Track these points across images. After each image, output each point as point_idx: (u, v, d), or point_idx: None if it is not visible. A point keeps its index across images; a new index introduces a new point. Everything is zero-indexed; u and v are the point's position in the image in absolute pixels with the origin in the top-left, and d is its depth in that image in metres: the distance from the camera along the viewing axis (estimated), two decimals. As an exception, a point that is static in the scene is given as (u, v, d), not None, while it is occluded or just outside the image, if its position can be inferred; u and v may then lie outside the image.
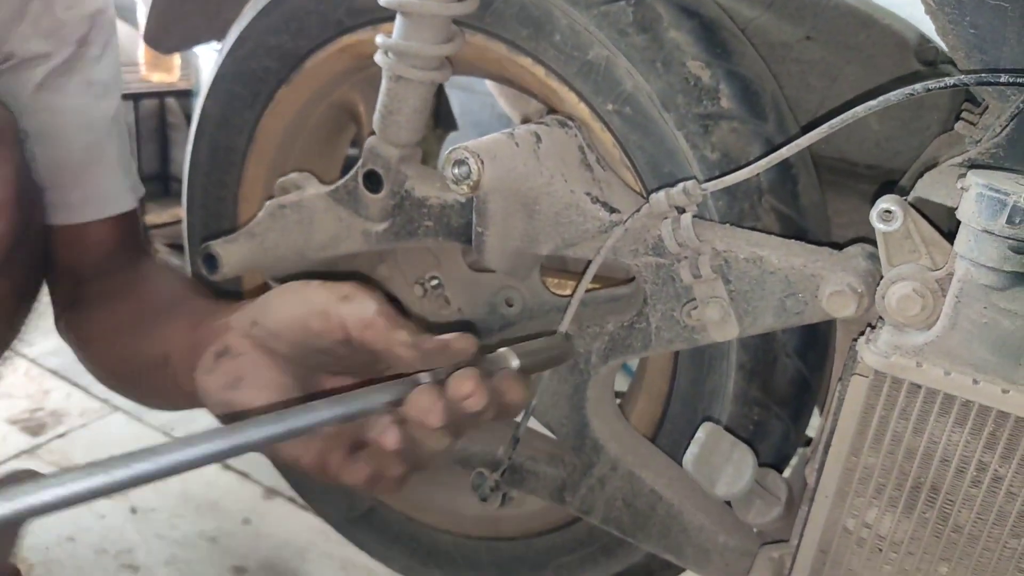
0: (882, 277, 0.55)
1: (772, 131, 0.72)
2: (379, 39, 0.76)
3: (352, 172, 0.83)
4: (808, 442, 0.78)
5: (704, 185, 0.64)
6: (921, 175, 0.57)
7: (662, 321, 0.69)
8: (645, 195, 0.72)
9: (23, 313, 0.75)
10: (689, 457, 0.67)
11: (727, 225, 0.68)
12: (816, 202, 0.74)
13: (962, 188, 0.49)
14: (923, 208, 0.54)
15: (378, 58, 0.76)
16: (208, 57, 1.82)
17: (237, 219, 1.01)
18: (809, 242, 0.65)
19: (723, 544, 0.73)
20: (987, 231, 0.47)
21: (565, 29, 0.73)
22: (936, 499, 0.55)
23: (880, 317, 0.56)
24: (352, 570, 1.16)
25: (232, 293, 1.01)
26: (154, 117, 2.60)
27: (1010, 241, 0.47)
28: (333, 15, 0.86)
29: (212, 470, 1.41)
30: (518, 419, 0.77)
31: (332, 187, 0.85)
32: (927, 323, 0.53)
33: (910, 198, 0.55)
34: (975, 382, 0.51)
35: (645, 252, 0.68)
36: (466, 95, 1.59)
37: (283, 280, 0.92)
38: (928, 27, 0.55)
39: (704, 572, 0.75)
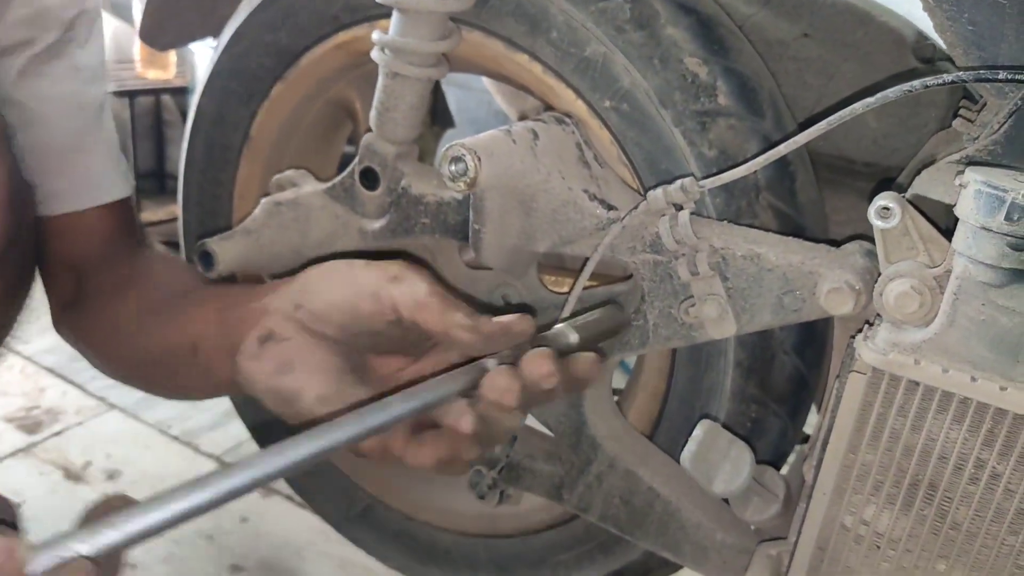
0: (880, 274, 0.55)
1: (770, 128, 0.71)
2: (375, 36, 0.76)
3: (349, 169, 0.83)
4: (806, 439, 0.78)
5: (702, 182, 0.64)
6: (919, 172, 0.57)
7: (659, 318, 0.69)
8: (642, 192, 0.72)
9: (16, 311, 0.75)
10: (687, 454, 0.67)
11: (725, 222, 0.68)
12: (814, 199, 0.74)
13: (960, 185, 0.49)
14: (921, 205, 0.54)
15: (374, 55, 0.76)
16: (204, 54, 1.81)
17: (233, 217, 1.01)
18: (807, 239, 0.65)
19: (721, 541, 0.73)
20: (985, 228, 0.47)
21: (562, 26, 0.73)
22: (934, 496, 0.55)
23: (878, 314, 0.56)
24: (350, 568, 1.16)
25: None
26: (150, 114, 2.59)
27: (1008, 238, 0.47)
28: (329, 11, 0.86)
29: (209, 468, 1.41)
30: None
31: (328, 184, 0.84)
32: (925, 320, 0.53)
33: (908, 195, 0.55)
34: (973, 379, 0.51)
35: (642, 249, 0.68)
36: (463, 92, 1.59)
37: (278, 277, 0.92)
38: (926, 24, 0.55)
39: (702, 569, 0.75)
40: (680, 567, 0.81)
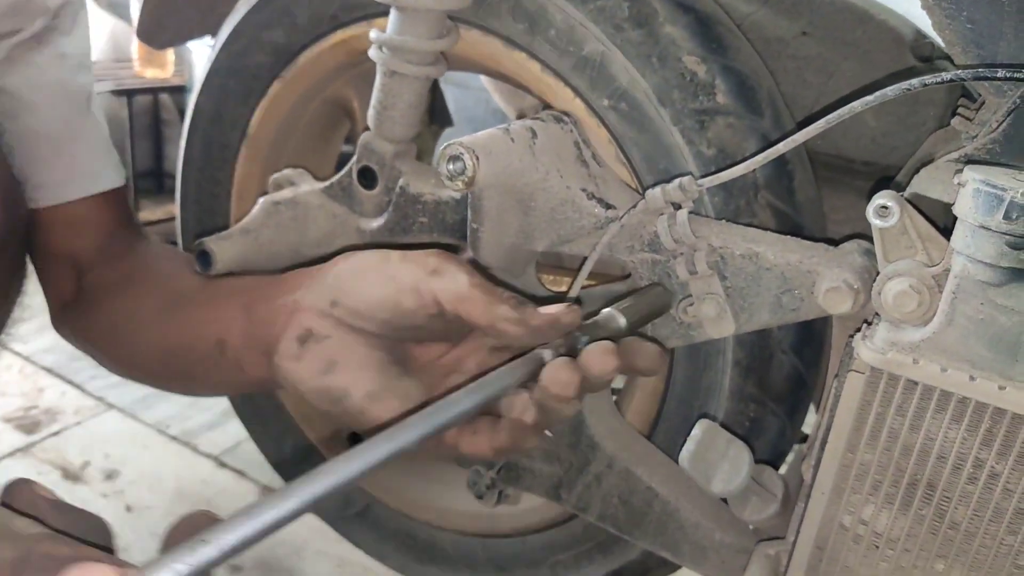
0: (878, 273, 0.55)
1: (768, 127, 0.71)
2: (373, 34, 0.76)
3: (346, 168, 0.83)
4: (804, 438, 0.78)
5: (700, 181, 0.64)
6: (917, 171, 0.57)
7: (658, 318, 0.69)
8: (641, 191, 0.72)
9: (8, 309, 0.74)
10: (685, 454, 0.67)
11: (723, 221, 0.68)
12: (812, 198, 0.74)
13: (959, 184, 0.49)
14: (919, 204, 0.54)
15: (372, 53, 0.76)
16: (202, 52, 1.81)
17: (231, 216, 1.01)
18: (805, 238, 0.65)
19: (719, 541, 0.73)
20: (984, 227, 0.47)
21: (560, 24, 0.73)
22: (932, 496, 0.55)
23: (876, 313, 0.55)
24: (348, 568, 1.15)
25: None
26: (148, 113, 2.59)
27: (1007, 237, 0.47)
28: (327, 10, 0.86)
29: (208, 467, 1.41)
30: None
31: (326, 183, 0.84)
32: (923, 319, 0.53)
33: (906, 194, 0.55)
34: (972, 378, 0.51)
35: (641, 248, 0.68)
36: (461, 91, 1.59)
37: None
38: (924, 22, 0.55)
39: (700, 569, 0.75)
40: (679, 567, 0.81)
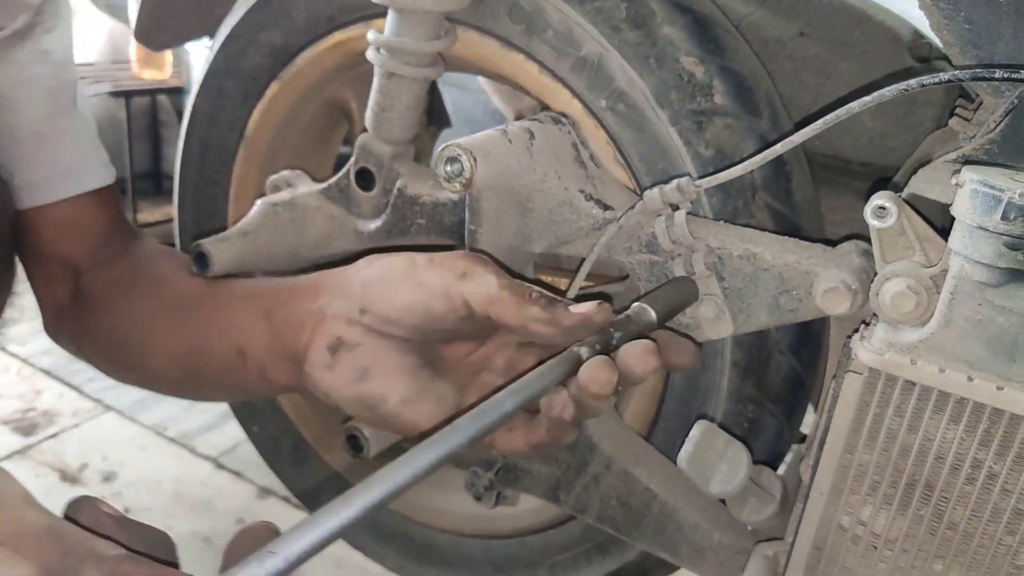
0: (876, 274, 0.55)
1: (766, 128, 0.71)
2: (371, 35, 0.75)
3: (344, 170, 0.82)
4: (802, 439, 0.78)
5: (698, 182, 0.64)
6: (915, 171, 0.57)
7: (656, 318, 0.69)
8: (639, 192, 0.72)
9: None
10: (683, 455, 0.67)
11: (721, 222, 0.68)
12: (810, 199, 0.74)
13: (956, 184, 0.49)
14: (917, 205, 0.54)
15: (370, 55, 0.76)
16: (200, 54, 1.81)
17: (229, 217, 1.01)
18: (803, 239, 0.65)
19: (718, 542, 0.73)
20: (981, 227, 0.47)
21: (558, 25, 0.73)
22: (931, 496, 0.55)
23: (874, 314, 0.55)
24: (346, 568, 1.15)
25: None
26: (146, 115, 2.59)
27: (1004, 237, 0.47)
28: (324, 11, 0.86)
29: (206, 469, 1.40)
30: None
31: (324, 185, 0.84)
32: (921, 320, 0.53)
33: (904, 194, 0.55)
34: (970, 379, 0.51)
35: (639, 250, 0.68)
36: (459, 92, 1.59)
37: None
38: (922, 23, 0.55)
39: (699, 570, 0.75)
40: (677, 568, 0.81)
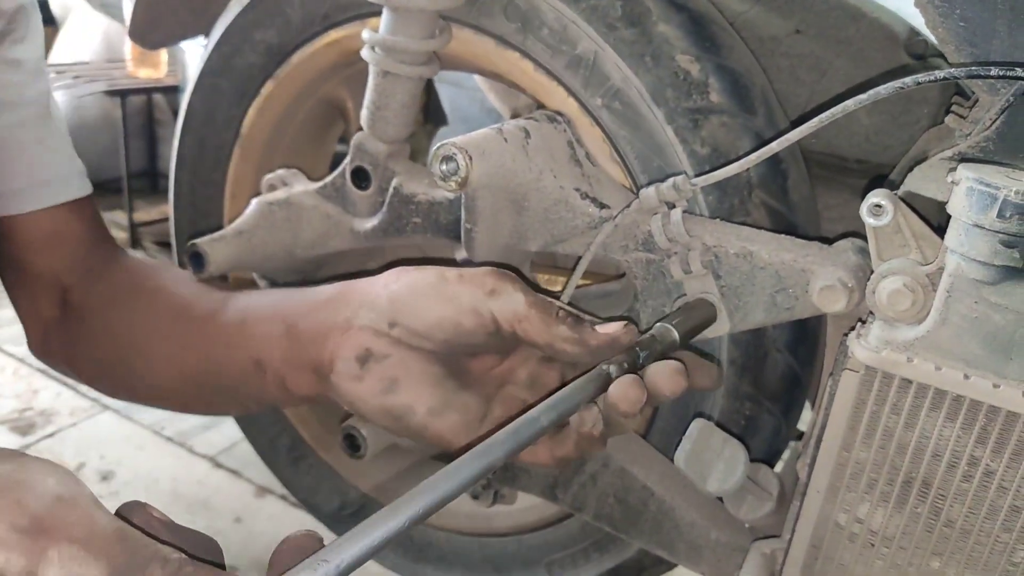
0: (872, 272, 0.55)
1: (762, 125, 0.71)
2: (366, 34, 0.75)
3: (340, 169, 0.82)
4: (799, 436, 0.78)
5: (694, 180, 0.64)
6: (911, 169, 0.57)
7: (653, 317, 0.69)
8: (635, 190, 0.72)
9: None
10: (681, 453, 0.67)
11: (717, 220, 0.68)
12: (806, 197, 0.74)
13: (952, 182, 0.49)
14: (913, 202, 0.54)
15: (365, 53, 0.76)
16: (195, 53, 1.80)
17: (225, 216, 1.01)
18: (799, 237, 0.65)
19: (715, 540, 0.73)
20: (977, 225, 0.47)
21: (553, 23, 0.72)
22: (928, 494, 0.55)
23: (871, 312, 0.55)
24: (344, 568, 1.15)
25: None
26: (141, 113, 2.58)
27: (1000, 235, 0.47)
28: (319, 10, 0.86)
29: (203, 468, 1.40)
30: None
31: (320, 184, 0.84)
32: (918, 318, 0.53)
33: (900, 192, 0.55)
34: (966, 377, 0.51)
35: (635, 248, 0.67)
36: (455, 90, 1.58)
37: (270, 278, 0.91)
38: (918, 20, 0.55)
39: (696, 568, 0.75)
40: (675, 565, 0.81)
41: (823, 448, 0.57)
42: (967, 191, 0.47)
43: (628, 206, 0.67)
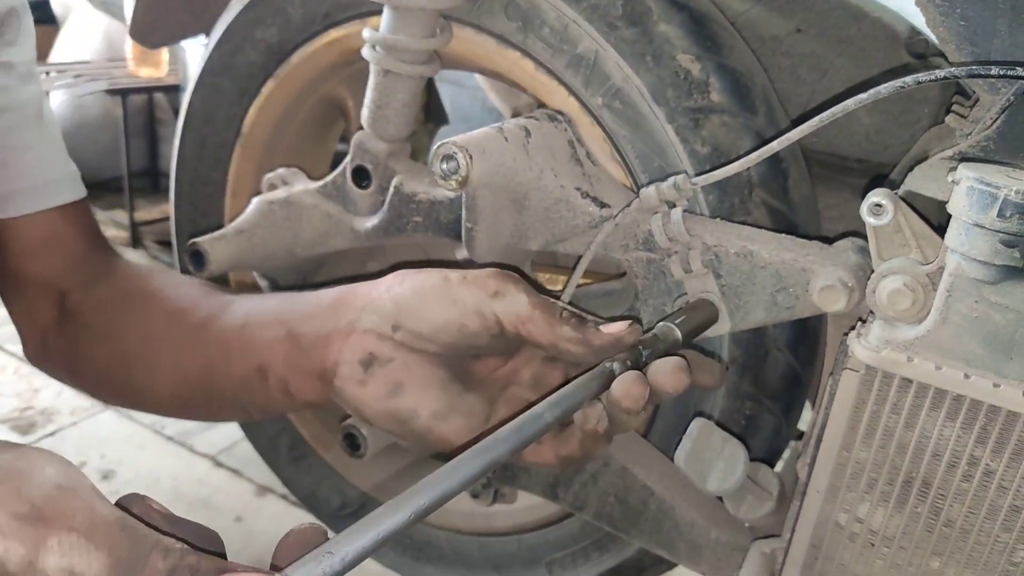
0: (873, 271, 0.55)
1: (762, 125, 0.71)
2: (366, 33, 0.75)
3: (340, 167, 0.82)
4: (800, 436, 0.78)
5: (694, 179, 0.64)
6: (911, 169, 0.57)
7: (653, 316, 0.69)
8: (635, 190, 0.72)
9: None
10: (681, 453, 0.67)
11: (717, 220, 0.68)
12: (806, 196, 0.74)
13: (953, 181, 0.49)
14: (914, 202, 0.54)
15: (365, 52, 0.76)
16: (196, 51, 1.80)
17: (225, 215, 1.01)
18: (800, 236, 0.65)
19: (715, 539, 0.73)
20: (978, 224, 0.47)
21: (554, 22, 0.72)
22: (928, 493, 0.55)
23: (871, 311, 0.55)
24: (344, 567, 1.15)
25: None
26: (142, 112, 2.59)
27: (1001, 235, 0.46)
28: (320, 9, 0.86)
29: (204, 467, 1.40)
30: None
31: (320, 183, 0.84)
32: (918, 317, 0.53)
33: (900, 192, 0.55)
34: (966, 376, 0.51)
35: (635, 247, 0.67)
36: (456, 89, 1.58)
37: (270, 277, 0.91)
38: (919, 19, 0.55)
39: (696, 567, 0.75)
40: (675, 565, 0.81)
41: (823, 448, 0.57)
42: (967, 190, 0.47)
43: (628, 205, 0.67)
